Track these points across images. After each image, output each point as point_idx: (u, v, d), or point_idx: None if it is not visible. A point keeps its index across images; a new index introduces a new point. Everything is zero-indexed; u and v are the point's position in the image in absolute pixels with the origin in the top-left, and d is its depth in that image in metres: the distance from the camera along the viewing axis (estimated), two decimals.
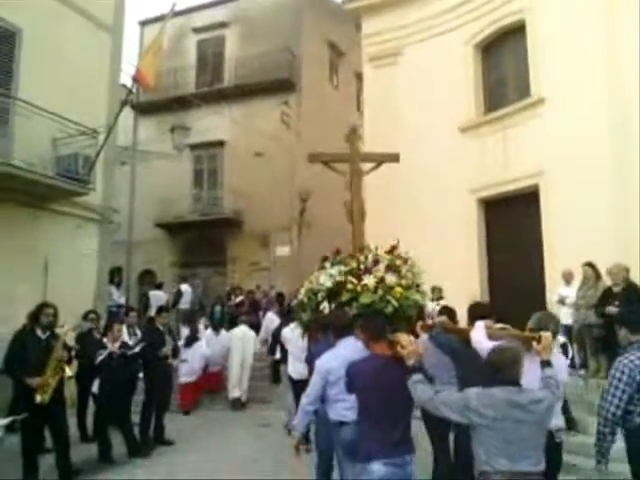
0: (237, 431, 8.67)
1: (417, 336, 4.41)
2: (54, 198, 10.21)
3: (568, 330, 8.46)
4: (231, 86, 18.70)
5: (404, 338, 3.54)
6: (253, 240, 17.83)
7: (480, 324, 4.03)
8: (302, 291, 6.02)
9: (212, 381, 10.82)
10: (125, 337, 7.75)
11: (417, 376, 3.29)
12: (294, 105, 17.93)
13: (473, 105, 11.78)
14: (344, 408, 3.96)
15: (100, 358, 6.93)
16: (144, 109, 19.74)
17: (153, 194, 18.40)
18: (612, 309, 7.15)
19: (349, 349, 4.07)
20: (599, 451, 3.66)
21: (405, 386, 3.33)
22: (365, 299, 5.24)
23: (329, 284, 5.52)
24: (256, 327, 11.64)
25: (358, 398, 3.67)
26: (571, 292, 8.68)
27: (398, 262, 5.78)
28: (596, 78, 9.50)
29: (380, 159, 7.06)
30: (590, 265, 8.28)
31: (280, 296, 13.17)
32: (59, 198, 10.28)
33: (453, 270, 11.08)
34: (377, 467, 3.39)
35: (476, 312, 4.49)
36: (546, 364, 3.29)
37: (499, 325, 4.33)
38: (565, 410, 6.78)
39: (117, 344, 7.14)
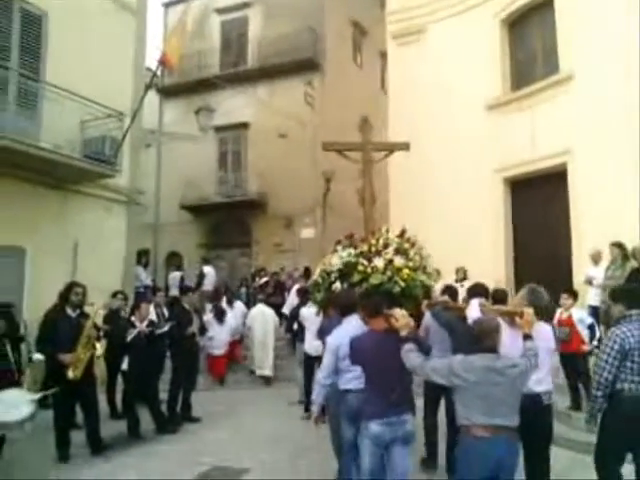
0: (264, 409, 8.82)
1: (422, 314, 5.09)
2: (82, 180, 10.37)
3: (595, 311, 8.35)
4: (255, 67, 18.66)
5: (398, 312, 3.97)
6: (277, 222, 17.89)
7: (475, 302, 4.51)
8: (317, 272, 6.40)
9: (234, 348, 11.27)
10: (153, 316, 7.88)
11: (409, 345, 3.76)
12: (318, 85, 17.83)
13: (500, 82, 11.58)
14: (350, 378, 4.41)
15: (131, 337, 7.09)
16: (169, 92, 19.86)
17: (178, 176, 18.56)
18: None
19: (353, 325, 4.46)
20: (590, 411, 4.01)
21: (398, 355, 3.79)
22: (374, 280, 5.62)
23: (341, 266, 5.91)
24: (281, 308, 11.77)
25: (362, 369, 4.09)
26: (599, 273, 8.55)
27: (406, 245, 6.17)
28: (626, 54, 9.23)
29: (391, 148, 7.37)
30: (618, 245, 8.13)
31: (307, 270, 13.25)
32: (87, 180, 10.44)
33: (478, 251, 11.01)
34: (374, 426, 3.84)
35: (474, 292, 5.00)
36: (527, 337, 3.69)
37: (496, 306, 4.60)
38: (588, 390, 6.78)
39: (145, 323, 7.28)
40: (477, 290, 5.12)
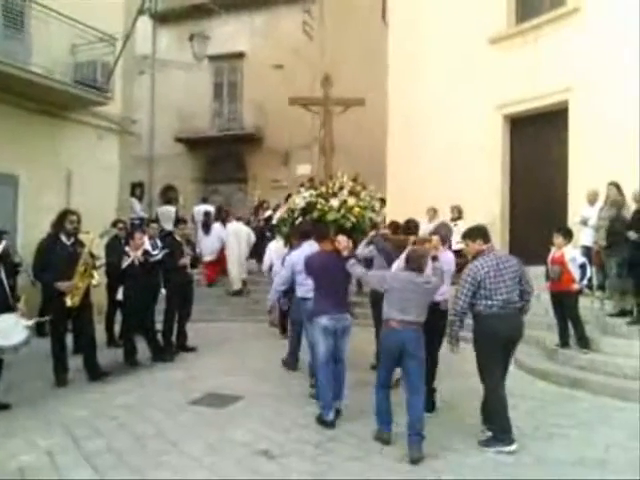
0: (258, 341, 9.01)
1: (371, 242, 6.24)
2: (74, 107, 10.14)
3: (588, 251, 8.40)
4: None
5: (341, 238, 5.36)
6: (274, 157, 17.69)
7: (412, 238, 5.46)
8: (283, 210, 7.80)
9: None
10: (147, 246, 7.89)
11: (352, 261, 5.11)
12: (317, 14, 17.18)
13: (504, 14, 11.14)
14: (307, 290, 5.62)
15: (126, 264, 7.12)
16: (163, 17, 19.17)
17: (173, 107, 18.19)
18: (632, 234, 7.05)
19: (308, 247, 5.78)
20: (450, 334, 4.75)
21: (342, 269, 5.08)
22: (330, 216, 6.80)
23: (303, 204, 7.05)
24: None
25: (313, 279, 5.32)
26: (594, 213, 8.55)
27: (359, 188, 7.36)
28: None
29: (347, 103, 8.39)
30: (615, 185, 8.09)
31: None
32: (79, 107, 10.21)
33: (475, 188, 10.96)
34: (323, 320, 5.08)
35: (409, 228, 6.09)
36: (434, 258, 4.86)
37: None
38: (577, 329, 6.94)
39: (139, 252, 7.28)
40: (411, 226, 6.14)
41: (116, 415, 5.28)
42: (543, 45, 10.25)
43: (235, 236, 11.84)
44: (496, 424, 4.54)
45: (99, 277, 6.74)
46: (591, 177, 8.91)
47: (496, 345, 4.56)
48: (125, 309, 7.58)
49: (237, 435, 4.78)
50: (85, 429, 4.89)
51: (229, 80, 18.70)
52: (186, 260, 7.99)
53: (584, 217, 8.76)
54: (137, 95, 13.65)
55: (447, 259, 5.33)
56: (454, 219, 10.90)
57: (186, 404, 5.66)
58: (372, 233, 6.38)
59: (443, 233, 5.50)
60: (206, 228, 12.38)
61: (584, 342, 6.91)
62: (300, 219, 6.97)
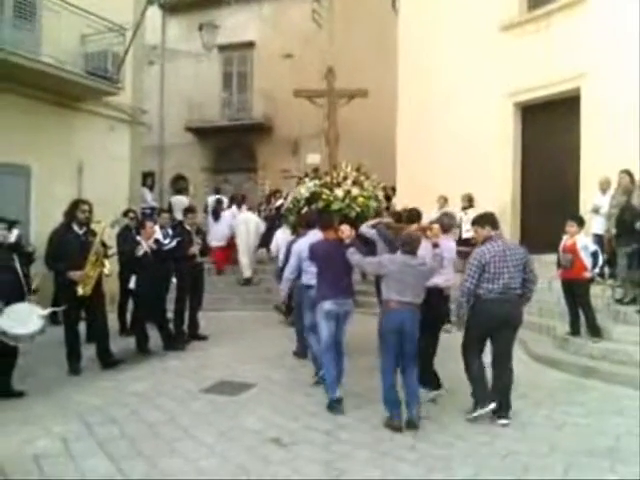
0: (270, 330, 9.05)
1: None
2: (85, 97, 10.16)
3: (600, 239, 8.33)
4: None
5: (344, 227, 5.62)
6: (283, 147, 17.65)
7: (414, 227, 5.73)
8: (289, 200, 8.13)
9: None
10: (158, 236, 7.93)
11: (352, 249, 5.27)
12: (326, 3, 17.03)
13: (516, 1, 11.01)
14: (310, 277, 5.84)
15: (140, 252, 7.15)
16: (172, 7, 19.13)
17: (182, 97, 18.18)
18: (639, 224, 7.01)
19: (313, 236, 5.94)
20: (457, 314, 5.03)
21: (344, 257, 5.26)
22: (335, 206, 7.05)
23: (308, 194, 7.30)
24: None
25: (317, 266, 5.55)
26: (606, 201, 8.48)
27: (362, 178, 7.54)
28: None
29: (351, 94, 8.58)
30: (627, 173, 8.00)
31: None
32: (89, 97, 10.23)
33: (486, 177, 10.91)
34: (326, 304, 5.28)
35: (411, 216, 6.14)
36: (435, 245, 5.26)
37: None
38: (588, 317, 6.90)
39: (151, 241, 7.33)
40: (413, 215, 6.18)
41: (129, 402, 5.34)
42: (555, 32, 10.13)
43: (245, 225, 11.91)
44: (475, 392, 4.92)
45: (111, 266, 6.79)
46: (603, 165, 8.82)
47: (489, 326, 4.87)
48: (137, 298, 7.64)
49: (248, 423, 4.83)
50: (99, 416, 4.95)
51: (238, 70, 18.65)
52: (195, 249, 8.01)
53: (596, 205, 8.68)
54: (147, 85, 13.65)
55: (448, 246, 5.56)
56: (465, 207, 10.86)
57: (198, 392, 5.71)
58: (376, 220, 6.64)
59: (445, 222, 5.72)
60: (216, 215, 12.56)
61: (595, 330, 6.88)
62: (305, 209, 7.21)
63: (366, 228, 6.39)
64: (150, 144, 16.51)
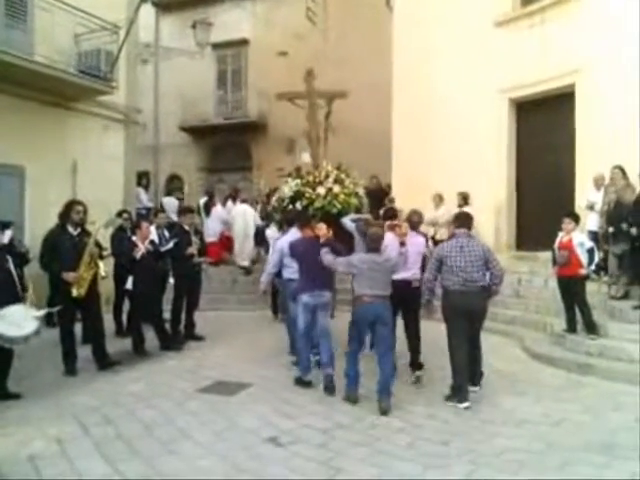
0: (266, 330, 9.05)
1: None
2: (78, 97, 10.12)
3: (595, 236, 8.34)
4: None
5: (320, 225, 6.02)
6: (278, 145, 17.59)
7: (388, 223, 6.39)
8: (274, 199, 8.78)
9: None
10: (154, 236, 7.89)
11: (325, 249, 5.65)
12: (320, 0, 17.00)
13: None
14: (292, 272, 6.30)
15: (138, 254, 7.12)
16: (165, 5, 19.03)
17: (177, 96, 18.10)
18: (635, 230, 7.05)
19: (293, 234, 6.42)
20: (426, 297, 5.65)
21: (320, 253, 5.63)
22: (317, 204, 7.48)
23: (291, 193, 7.76)
24: None
25: (296, 262, 6.07)
26: (600, 198, 8.49)
27: (343, 176, 7.96)
28: None
29: (331, 96, 8.97)
30: (620, 169, 8.02)
31: None
32: (83, 97, 10.18)
33: (481, 174, 10.91)
34: (304, 297, 5.84)
35: (387, 214, 6.97)
36: (402, 244, 5.62)
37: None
38: (584, 314, 6.91)
39: (146, 242, 7.30)
40: (389, 213, 7.01)
41: (125, 403, 5.32)
42: (549, 28, 10.13)
43: (242, 217, 12.27)
44: (455, 380, 5.26)
45: (106, 267, 6.76)
46: (598, 161, 8.83)
47: (456, 315, 5.33)
48: (133, 298, 7.61)
49: (245, 422, 4.82)
50: (95, 417, 4.93)
51: (233, 68, 18.59)
52: (193, 249, 7.99)
53: (590, 202, 8.70)
54: (141, 85, 13.61)
55: (416, 242, 6.13)
56: (460, 205, 10.85)
57: (195, 392, 5.70)
58: (357, 216, 7.26)
59: (414, 219, 6.31)
60: (207, 210, 12.89)
61: (592, 327, 6.89)
62: (290, 207, 7.65)
63: (348, 221, 6.95)
64: (144, 144, 16.45)
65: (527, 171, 10.92)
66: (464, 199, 10.78)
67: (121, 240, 7.80)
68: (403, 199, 12.01)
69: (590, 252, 6.93)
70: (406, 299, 5.88)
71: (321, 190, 7.61)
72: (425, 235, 6.88)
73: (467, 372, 5.29)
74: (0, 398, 5.31)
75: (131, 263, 7.23)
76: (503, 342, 7.85)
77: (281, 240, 6.68)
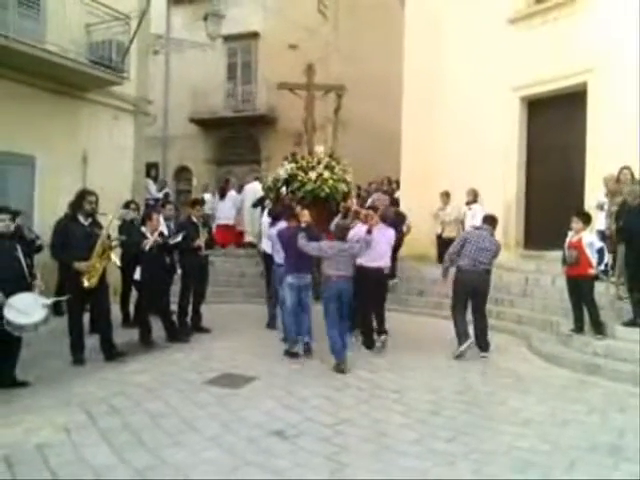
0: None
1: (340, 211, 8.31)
2: (89, 87, 10.13)
3: (603, 235, 8.27)
4: None
5: (304, 212, 7.11)
6: (287, 138, 17.51)
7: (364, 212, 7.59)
8: (269, 179, 9.80)
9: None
10: (163, 228, 7.90)
11: (302, 234, 6.57)
12: None
13: None
14: (281, 257, 7.17)
15: (148, 246, 7.12)
16: None
17: (187, 88, 18.10)
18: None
19: (281, 224, 7.27)
20: (442, 273, 7.23)
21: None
22: (308, 187, 8.54)
23: (285, 176, 8.66)
24: None
25: (283, 248, 6.94)
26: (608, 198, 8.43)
27: (333, 163, 9.00)
28: None
29: (329, 89, 10.07)
30: (629, 169, 7.95)
31: None
32: (95, 87, 10.20)
33: (491, 171, 10.87)
34: (289, 278, 6.81)
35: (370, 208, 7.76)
36: (368, 232, 6.80)
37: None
38: (592, 314, 6.88)
39: (156, 234, 7.30)
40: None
41: (132, 394, 5.34)
42: (562, 25, 10.06)
43: (252, 193, 12.90)
44: (458, 338, 6.82)
45: (115, 257, 6.77)
46: (609, 160, 8.76)
47: (464, 288, 6.89)
48: (141, 289, 7.63)
49: (251, 415, 4.83)
50: (102, 407, 4.95)
51: (243, 60, 18.55)
52: (201, 242, 7.99)
53: (600, 202, 8.64)
54: (152, 76, 13.60)
55: (387, 234, 7.28)
56: (469, 202, 10.83)
57: (201, 384, 5.71)
58: (343, 204, 7.99)
59: (388, 215, 7.65)
60: (222, 193, 13.62)
61: (599, 328, 6.86)
62: (283, 188, 8.59)
63: (338, 220, 7.69)
64: (153, 135, 16.47)
65: (537, 170, 10.87)
66: (474, 196, 10.75)
67: (130, 231, 7.82)
68: (411, 195, 12.01)
69: (600, 252, 6.89)
70: (379, 282, 7.23)
71: (312, 174, 8.57)
72: (396, 228, 7.82)
73: (466, 329, 6.84)
74: (8, 386, 5.34)
75: (139, 254, 7.25)
76: (510, 341, 7.84)
77: (272, 230, 7.53)
